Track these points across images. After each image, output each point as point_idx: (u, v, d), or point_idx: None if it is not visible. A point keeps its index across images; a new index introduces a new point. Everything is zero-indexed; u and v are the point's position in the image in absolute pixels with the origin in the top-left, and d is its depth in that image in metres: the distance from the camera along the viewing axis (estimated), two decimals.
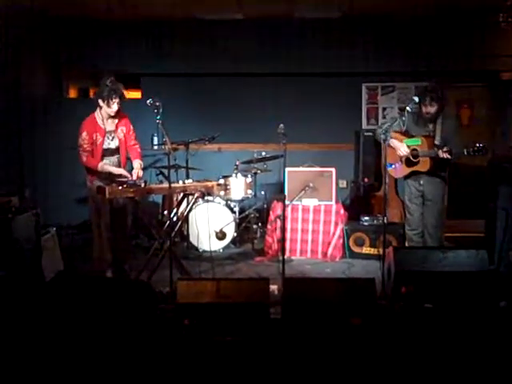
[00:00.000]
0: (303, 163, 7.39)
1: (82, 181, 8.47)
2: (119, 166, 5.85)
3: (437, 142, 5.79)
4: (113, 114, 5.71)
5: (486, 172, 7.56)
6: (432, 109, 5.76)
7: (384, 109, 8.90)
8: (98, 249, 5.81)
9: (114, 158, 5.86)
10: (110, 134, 5.80)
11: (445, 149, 5.60)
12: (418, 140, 5.83)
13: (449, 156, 5.58)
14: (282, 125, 5.49)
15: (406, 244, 6.25)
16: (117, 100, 5.61)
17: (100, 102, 5.65)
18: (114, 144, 5.83)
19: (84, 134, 5.70)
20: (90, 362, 3.87)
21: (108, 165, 5.75)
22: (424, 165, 5.82)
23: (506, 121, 8.60)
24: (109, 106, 5.63)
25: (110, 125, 5.80)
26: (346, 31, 8.36)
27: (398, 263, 5.01)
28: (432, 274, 4.90)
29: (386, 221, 5.68)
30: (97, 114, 5.77)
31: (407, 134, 5.93)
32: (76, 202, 8.70)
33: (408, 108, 5.52)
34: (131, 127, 5.92)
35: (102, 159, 5.76)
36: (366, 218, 7.07)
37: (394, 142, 5.85)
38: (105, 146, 5.78)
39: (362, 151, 8.25)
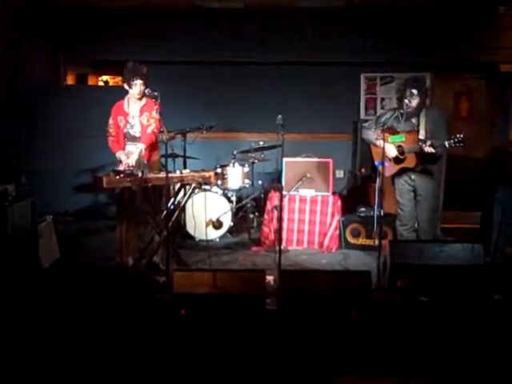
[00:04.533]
0: (301, 153, 7.37)
1: (80, 168, 8.56)
2: (140, 155, 5.70)
3: (421, 137, 5.66)
4: (138, 96, 5.71)
5: (484, 165, 7.57)
6: (413, 102, 5.65)
7: (383, 99, 8.87)
8: (119, 241, 5.81)
9: (137, 146, 5.75)
10: (133, 118, 5.79)
11: (428, 143, 5.49)
12: (402, 136, 5.72)
13: (432, 150, 5.48)
14: (280, 116, 5.48)
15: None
16: (139, 81, 5.63)
17: (125, 86, 5.71)
18: (135, 130, 5.80)
19: (110, 120, 5.83)
20: (86, 351, 3.89)
21: (124, 154, 5.74)
22: (410, 161, 5.72)
23: (504, 113, 8.60)
24: (130, 87, 5.67)
25: (134, 109, 5.80)
26: (346, 21, 8.35)
27: (394, 256, 5.03)
28: (427, 268, 4.93)
29: (381, 213, 5.69)
30: (125, 99, 5.83)
31: (392, 130, 5.77)
32: (73, 190, 8.71)
33: (406, 101, 5.51)
34: (153, 112, 5.63)
35: (125, 143, 5.81)
36: (363, 209, 7.07)
37: (381, 144, 5.61)
38: (125, 130, 5.80)
39: (360, 141, 8.24)
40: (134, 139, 5.80)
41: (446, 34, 8.29)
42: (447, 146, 5.38)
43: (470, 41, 8.32)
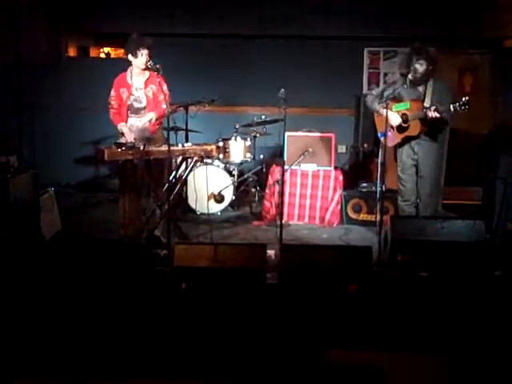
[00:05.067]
0: (303, 127, 7.35)
1: (82, 140, 8.56)
2: (145, 127, 5.74)
3: (426, 105, 5.64)
4: (142, 67, 5.62)
5: (486, 141, 7.54)
6: (420, 68, 5.60)
7: (385, 74, 8.84)
8: (122, 214, 5.77)
9: (142, 118, 5.74)
10: (137, 90, 5.74)
11: (432, 108, 5.48)
12: (407, 104, 5.71)
13: (437, 114, 5.44)
14: (282, 89, 5.44)
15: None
16: (145, 51, 5.56)
17: (130, 57, 5.63)
18: (140, 102, 5.75)
19: (112, 92, 5.78)
20: (87, 323, 3.91)
21: (125, 126, 5.70)
22: (414, 128, 5.70)
23: (508, 89, 8.54)
24: (136, 56, 5.59)
25: (138, 82, 5.75)
26: None
27: (395, 231, 5.04)
28: (428, 243, 4.93)
29: (383, 188, 5.68)
30: (128, 71, 5.77)
31: (396, 99, 5.80)
32: (75, 162, 8.71)
33: (410, 76, 5.47)
34: (160, 87, 5.63)
35: (127, 116, 5.76)
36: (365, 184, 7.08)
37: (384, 112, 5.57)
38: (129, 102, 5.74)
39: (362, 116, 8.22)
40: (137, 111, 5.77)
41: (450, 9, 8.22)
42: (452, 109, 5.33)
43: (474, 16, 8.24)
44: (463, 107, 5.29)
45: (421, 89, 5.76)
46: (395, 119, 5.74)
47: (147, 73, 5.72)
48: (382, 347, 3.82)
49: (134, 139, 5.54)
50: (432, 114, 5.47)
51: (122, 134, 5.68)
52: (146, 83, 5.73)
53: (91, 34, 9.52)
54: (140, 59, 5.60)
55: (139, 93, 5.75)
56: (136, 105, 5.76)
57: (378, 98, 5.88)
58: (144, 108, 5.76)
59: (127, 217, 5.72)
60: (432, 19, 8.27)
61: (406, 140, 5.84)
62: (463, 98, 5.30)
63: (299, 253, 4.55)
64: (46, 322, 3.93)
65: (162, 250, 5.34)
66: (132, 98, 5.75)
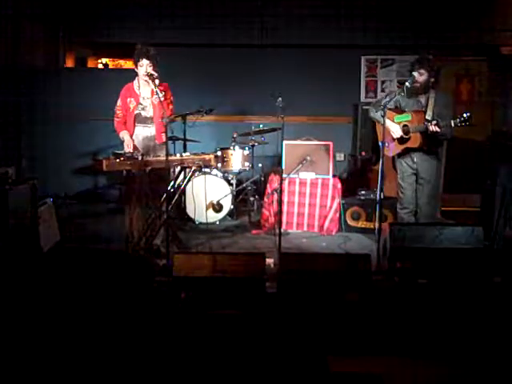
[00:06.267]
0: (301, 136, 7.38)
1: (80, 151, 8.56)
2: (151, 137, 5.76)
3: (428, 117, 5.65)
4: (145, 77, 5.57)
5: (484, 148, 7.55)
6: (420, 77, 5.63)
7: (383, 82, 8.86)
8: (129, 223, 5.77)
9: (149, 128, 5.75)
10: (144, 100, 5.73)
11: (433, 122, 5.49)
12: (408, 115, 5.72)
13: (438, 129, 5.46)
14: (280, 98, 5.46)
15: None
16: (145, 62, 5.55)
17: (135, 68, 5.66)
18: (147, 112, 5.74)
19: (118, 102, 5.76)
20: (85, 334, 3.90)
21: (127, 135, 5.68)
22: (415, 140, 5.71)
23: (505, 96, 8.56)
24: (137, 67, 5.62)
25: (145, 91, 5.74)
26: (347, 3, 8.29)
27: (394, 239, 5.03)
28: (427, 250, 4.93)
29: (382, 196, 5.68)
30: (135, 81, 5.77)
31: (398, 109, 5.85)
32: (73, 172, 8.70)
33: (407, 84, 5.47)
34: (167, 97, 5.69)
35: (134, 125, 5.74)
36: (363, 192, 7.08)
37: (386, 122, 5.57)
38: (137, 111, 5.72)
39: (360, 124, 8.23)
40: (145, 120, 5.75)
41: (447, 16, 8.26)
42: (453, 125, 5.35)
43: (471, 23, 8.28)
44: (464, 123, 5.30)
45: (423, 100, 5.78)
46: (396, 131, 5.76)
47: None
48: (382, 354, 3.82)
49: (133, 148, 5.53)
50: (433, 128, 5.48)
51: (124, 141, 5.68)
52: (153, 92, 5.70)
53: (89, 45, 9.53)
54: (140, 69, 5.61)
55: (147, 102, 5.74)
56: (144, 114, 5.74)
57: (378, 107, 5.88)
58: (151, 117, 5.75)
59: (133, 227, 5.72)
60: (428, 27, 8.28)
61: (406, 151, 5.85)
62: (464, 114, 5.29)
63: (298, 261, 4.54)
64: (45, 332, 3.92)
65: (161, 259, 5.33)
66: (140, 107, 5.73)
